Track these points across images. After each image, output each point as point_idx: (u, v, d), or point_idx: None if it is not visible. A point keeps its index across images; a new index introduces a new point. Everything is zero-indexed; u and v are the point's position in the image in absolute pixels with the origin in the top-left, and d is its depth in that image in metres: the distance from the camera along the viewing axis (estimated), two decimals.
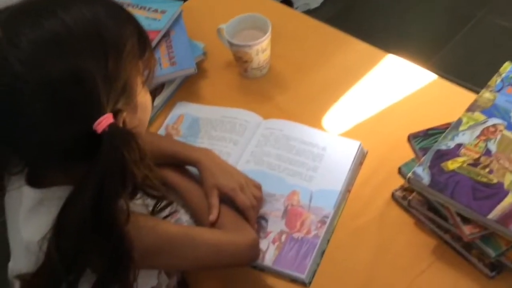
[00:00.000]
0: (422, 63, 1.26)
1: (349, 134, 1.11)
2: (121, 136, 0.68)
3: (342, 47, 1.28)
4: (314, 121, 1.14)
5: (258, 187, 0.99)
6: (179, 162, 1.00)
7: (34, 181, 0.77)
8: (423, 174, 0.90)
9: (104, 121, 0.67)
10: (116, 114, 0.69)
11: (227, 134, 1.12)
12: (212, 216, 0.92)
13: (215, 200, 0.94)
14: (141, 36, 0.76)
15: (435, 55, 2.23)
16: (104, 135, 0.67)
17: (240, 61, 1.21)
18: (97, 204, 0.67)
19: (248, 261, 0.92)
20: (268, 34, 1.18)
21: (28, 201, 0.77)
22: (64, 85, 0.65)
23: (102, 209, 0.67)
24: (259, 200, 0.98)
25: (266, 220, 0.98)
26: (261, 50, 1.18)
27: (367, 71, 1.22)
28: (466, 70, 2.11)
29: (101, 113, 0.67)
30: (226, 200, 0.95)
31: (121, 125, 0.70)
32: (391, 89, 1.17)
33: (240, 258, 0.91)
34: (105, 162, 0.67)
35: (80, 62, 0.66)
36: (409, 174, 0.91)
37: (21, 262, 0.79)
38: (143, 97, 0.78)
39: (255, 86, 1.22)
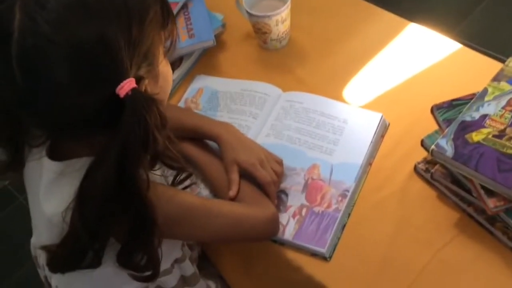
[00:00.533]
0: (447, 32, 1.23)
1: (371, 106, 1.09)
2: (144, 100, 0.68)
3: (364, 16, 1.25)
4: (335, 93, 1.12)
5: (279, 162, 0.98)
6: (199, 136, 1.00)
7: (55, 154, 0.78)
8: (447, 146, 0.88)
9: (126, 85, 0.67)
10: (138, 80, 0.69)
11: (246, 108, 1.11)
12: (232, 192, 0.92)
13: (235, 176, 0.94)
14: (164, 5, 0.76)
15: (460, 24, 2.17)
16: (126, 100, 0.67)
17: (259, 32, 1.19)
18: (120, 171, 0.67)
19: (268, 235, 0.92)
20: (288, 4, 1.15)
21: (49, 174, 0.78)
22: (90, 48, 0.65)
23: (124, 175, 0.67)
24: (280, 175, 0.97)
25: (286, 194, 0.97)
26: (280, 20, 1.16)
27: (389, 41, 1.19)
28: (492, 38, 2.05)
29: (124, 77, 0.67)
30: (246, 175, 0.95)
31: (143, 91, 0.70)
32: (414, 59, 1.15)
33: (259, 232, 0.90)
34: (128, 126, 0.66)
35: (105, 26, 0.66)
36: (432, 146, 0.89)
37: (44, 235, 0.80)
38: (164, 66, 0.79)
39: (275, 58, 1.21)
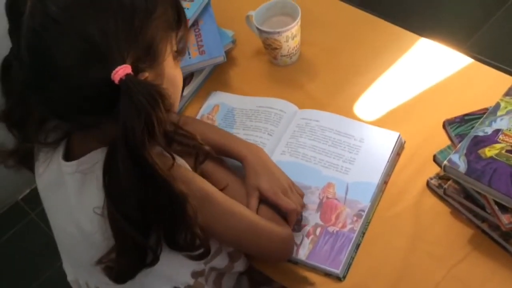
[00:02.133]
0: (457, 46, 1.22)
1: (382, 121, 1.08)
2: (139, 85, 0.68)
3: (374, 31, 1.25)
4: (346, 108, 1.11)
5: (302, 194, 0.97)
6: (224, 154, 0.98)
7: (70, 154, 0.80)
8: (459, 161, 0.87)
9: (121, 71, 0.68)
10: (137, 70, 0.70)
11: (262, 124, 1.11)
12: None
13: (254, 202, 0.92)
14: (178, 9, 0.78)
15: (470, 38, 2.16)
16: (122, 85, 0.68)
17: (269, 48, 1.19)
18: (134, 157, 0.68)
19: (282, 254, 0.91)
20: (298, 20, 1.16)
21: (73, 178, 0.78)
22: (90, 32, 0.68)
23: (139, 160, 0.68)
24: (302, 207, 0.96)
25: (301, 213, 0.96)
26: (290, 36, 1.16)
27: (400, 56, 1.18)
28: (503, 53, 2.04)
29: (119, 63, 0.68)
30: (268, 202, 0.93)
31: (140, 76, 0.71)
32: (425, 74, 1.14)
33: (275, 247, 0.89)
34: (125, 111, 0.67)
35: (107, 13, 0.69)
36: (445, 162, 0.88)
37: (87, 249, 0.79)
38: (172, 68, 0.79)
39: (285, 74, 1.21)
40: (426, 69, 1.15)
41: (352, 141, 1.04)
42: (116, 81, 0.68)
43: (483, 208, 0.88)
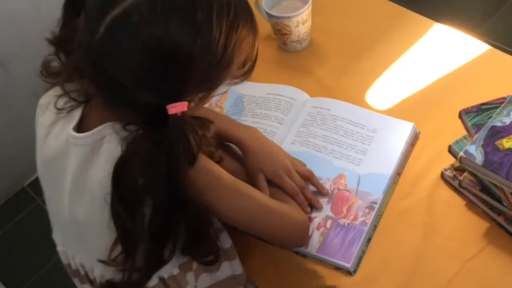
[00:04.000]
0: (472, 30, 1.18)
1: (396, 110, 1.05)
2: (190, 124, 0.69)
3: (387, 16, 1.21)
4: (358, 97, 1.08)
5: (303, 165, 0.96)
6: (223, 139, 0.97)
7: (83, 126, 0.78)
8: (476, 153, 0.84)
9: (178, 107, 0.68)
10: (189, 101, 0.70)
11: (271, 112, 1.08)
12: None
13: (263, 183, 0.91)
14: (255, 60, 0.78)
15: (485, 24, 2.11)
16: (172, 118, 0.68)
17: (279, 33, 1.16)
18: (170, 182, 0.69)
19: (296, 240, 0.89)
20: (309, 4, 1.12)
21: (79, 153, 0.77)
22: (170, 56, 0.66)
23: (174, 186, 0.69)
24: (310, 177, 0.94)
25: (311, 205, 0.94)
26: (301, 21, 1.13)
27: (414, 42, 1.15)
28: None
29: (180, 98, 0.68)
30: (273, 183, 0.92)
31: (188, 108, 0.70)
32: (440, 61, 1.10)
33: (288, 232, 0.87)
34: (171, 143, 0.68)
35: (201, 46, 0.67)
36: (461, 153, 0.85)
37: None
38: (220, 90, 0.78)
39: (295, 60, 1.17)
40: (441, 56, 1.11)
41: (365, 131, 1.01)
42: (169, 113, 0.68)
43: (499, 201, 0.85)
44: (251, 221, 0.84)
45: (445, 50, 1.12)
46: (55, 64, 0.81)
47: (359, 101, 1.07)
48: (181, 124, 0.68)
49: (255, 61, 0.78)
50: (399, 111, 1.04)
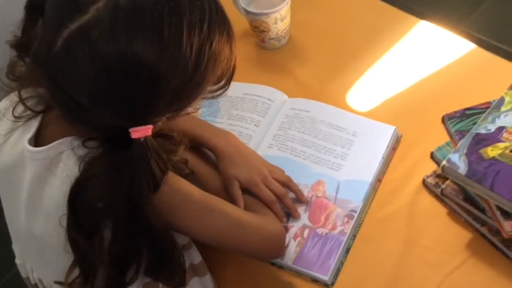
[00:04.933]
0: (456, 24, 1.14)
1: (377, 111, 1.01)
2: (154, 150, 0.64)
3: (370, 12, 1.17)
4: (339, 97, 1.04)
5: (281, 171, 0.92)
6: (198, 144, 0.92)
7: (40, 140, 0.73)
8: (459, 161, 0.80)
9: (142, 132, 0.63)
10: (155, 123, 0.65)
11: (248, 114, 1.03)
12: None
13: (237, 191, 0.86)
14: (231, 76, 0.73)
15: (470, 15, 2.08)
16: (135, 142, 0.63)
17: (256, 31, 1.11)
18: (133, 210, 0.65)
19: (272, 253, 0.85)
20: (287, 0, 1.07)
21: (33, 169, 0.72)
22: (133, 77, 0.60)
23: (137, 214, 0.65)
24: (288, 184, 0.90)
25: (287, 213, 0.89)
26: (279, 18, 1.08)
27: (398, 40, 1.11)
28: (503, 31, 1.95)
29: (144, 122, 0.63)
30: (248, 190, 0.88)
31: (153, 130, 0.65)
32: (425, 61, 1.07)
33: (263, 245, 0.83)
34: (133, 168, 0.64)
35: (169, 69, 0.61)
36: (444, 162, 0.81)
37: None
38: (192, 107, 0.72)
39: (274, 58, 1.13)
40: (426, 55, 1.08)
41: (345, 135, 0.97)
42: (132, 137, 0.62)
43: (483, 211, 0.82)
44: (224, 238, 0.79)
45: (430, 49, 1.08)
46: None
47: (340, 102, 1.03)
48: (144, 150, 0.63)
49: (232, 74, 0.73)
50: (381, 113, 1.01)
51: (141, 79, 0.60)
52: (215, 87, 0.72)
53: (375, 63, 1.08)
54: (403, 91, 1.03)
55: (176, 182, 0.73)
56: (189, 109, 0.70)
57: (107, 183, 0.64)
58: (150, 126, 0.63)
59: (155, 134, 0.65)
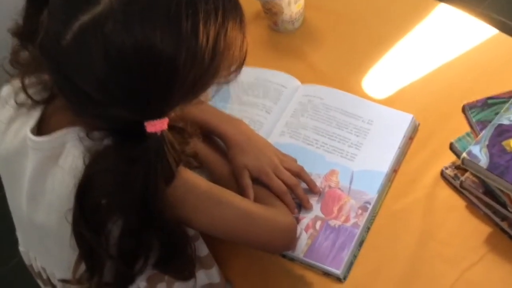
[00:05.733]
0: (476, 5, 1.09)
1: (394, 99, 0.98)
2: (170, 144, 0.62)
3: None
4: (354, 84, 1.00)
5: (295, 160, 0.89)
6: (207, 132, 0.89)
7: (43, 128, 0.70)
8: (480, 154, 0.77)
9: (158, 126, 0.60)
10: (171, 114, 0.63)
11: (260, 100, 0.99)
12: (249, 198, 0.82)
13: (247, 180, 0.84)
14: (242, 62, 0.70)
15: None
16: (150, 136, 0.60)
17: (269, 13, 1.07)
18: (145, 203, 0.62)
19: (283, 245, 0.82)
20: None
21: (35, 159, 0.69)
22: (150, 72, 0.58)
23: (150, 207, 0.62)
24: (300, 173, 0.87)
25: (299, 204, 0.86)
26: (293, 0, 1.03)
27: (416, 24, 1.07)
28: None
29: (160, 115, 0.60)
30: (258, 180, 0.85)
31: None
32: (444, 46, 1.02)
33: (274, 238, 0.80)
34: (149, 163, 0.61)
35: (187, 63, 0.59)
36: (464, 154, 0.77)
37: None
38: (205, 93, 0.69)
39: (286, 42, 1.09)
40: (446, 39, 1.04)
41: (360, 123, 0.93)
42: (147, 131, 0.60)
43: (504, 205, 0.78)
44: (232, 230, 0.77)
45: (450, 33, 1.04)
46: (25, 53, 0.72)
47: (355, 89, 0.99)
48: (160, 143, 0.60)
49: (243, 60, 0.70)
50: (398, 100, 0.97)
51: (158, 72, 0.58)
52: (226, 73, 0.69)
53: (392, 48, 1.04)
54: (422, 78, 0.99)
55: (183, 174, 0.70)
56: (201, 96, 0.67)
57: (119, 177, 0.61)
58: (166, 120, 0.61)
59: (169, 126, 0.63)
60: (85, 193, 0.62)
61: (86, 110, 0.62)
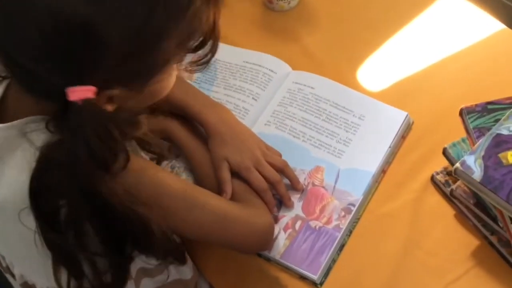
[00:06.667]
0: None
1: (387, 92, 0.92)
2: (95, 117, 0.54)
3: None
4: (348, 73, 0.95)
5: (279, 155, 0.84)
6: (187, 116, 0.84)
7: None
8: (475, 166, 0.71)
9: (79, 93, 0.53)
10: (105, 87, 0.55)
11: (247, 85, 0.94)
12: (226, 195, 0.78)
13: (226, 174, 0.79)
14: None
15: None
16: (73, 106, 0.53)
17: None
18: (81, 188, 0.56)
19: (258, 248, 0.78)
20: None
21: None
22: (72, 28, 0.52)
23: (87, 192, 0.56)
24: (283, 168, 0.82)
25: (279, 201, 0.82)
26: None
27: (418, 13, 1.00)
28: None
29: (83, 81, 0.53)
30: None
31: (103, 100, 0.56)
32: (447, 38, 0.96)
33: (249, 241, 0.76)
34: (70, 137, 0.54)
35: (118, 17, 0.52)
36: (457, 164, 0.72)
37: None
38: (165, 80, 0.62)
39: (281, 21, 1.02)
40: (448, 31, 0.97)
41: (351, 117, 0.88)
42: (68, 99, 0.53)
43: (495, 220, 0.74)
44: (206, 233, 0.73)
45: (454, 25, 0.98)
46: None
47: (348, 78, 0.94)
48: (81, 115, 0.53)
49: (215, 40, 0.63)
50: (392, 94, 0.92)
51: (73, 29, 0.52)
52: (198, 53, 0.62)
53: (391, 37, 0.98)
54: (420, 72, 0.94)
55: (148, 170, 0.66)
56: (163, 77, 0.61)
57: (63, 167, 0.55)
58: (91, 88, 0.54)
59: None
60: (37, 191, 0.56)
61: (20, 81, 0.57)
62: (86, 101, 0.53)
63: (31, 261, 0.66)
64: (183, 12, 0.56)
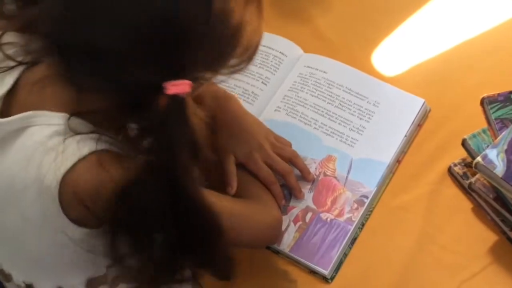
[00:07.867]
0: None
1: (403, 78, 0.89)
2: (185, 110, 0.54)
3: None
4: (362, 56, 0.91)
5: (288, 145, 0.81)
6: (196, 103, 0.81)
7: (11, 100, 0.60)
8: (497, 160, 0.69)
9: (181, 87, 0.53)
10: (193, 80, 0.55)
11: (256, 69, 0.90)
12: (232, 188, 0.75)
13: (232, 167, 0.76)
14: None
15: None
16: (171, 101, 0.53)
17: None
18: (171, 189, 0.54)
19: (263, 243, 0.76)
20: None
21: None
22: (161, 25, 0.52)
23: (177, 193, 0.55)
24: (293, 158, 0.79)
25: (289, 192, 0.79)
26: None
27: None
28: None
29: (182, 75, 0.53)
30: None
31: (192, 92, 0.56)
32: (465, 21, 0.93)
33: (258, 239, 0.74)
34: (172, 135, 0.54)
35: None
36: (478, 158, 0.69)
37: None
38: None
39: (292, 2, 0.98)
40: (468, 13, 0.94)
41: (365, 104, 0.85)
42: (167, 93, 0.52)
43: None
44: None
45: (474, 7, 0.94)
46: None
47: (362, 62, 0.90)
48: (183, 110, 0.53)
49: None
50: (408, 79, 0.89)
51: (164, 24, 0.52)
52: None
53: (407, 19, 0.94)
54: (437, 56, 0.90)
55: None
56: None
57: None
58: (188, 82, 0.53)
59: None
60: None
61: (89, 73, 0.54)
62: (187, 95, 0.53)
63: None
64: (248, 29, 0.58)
